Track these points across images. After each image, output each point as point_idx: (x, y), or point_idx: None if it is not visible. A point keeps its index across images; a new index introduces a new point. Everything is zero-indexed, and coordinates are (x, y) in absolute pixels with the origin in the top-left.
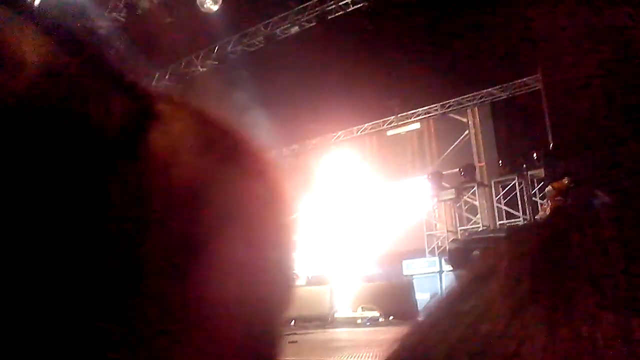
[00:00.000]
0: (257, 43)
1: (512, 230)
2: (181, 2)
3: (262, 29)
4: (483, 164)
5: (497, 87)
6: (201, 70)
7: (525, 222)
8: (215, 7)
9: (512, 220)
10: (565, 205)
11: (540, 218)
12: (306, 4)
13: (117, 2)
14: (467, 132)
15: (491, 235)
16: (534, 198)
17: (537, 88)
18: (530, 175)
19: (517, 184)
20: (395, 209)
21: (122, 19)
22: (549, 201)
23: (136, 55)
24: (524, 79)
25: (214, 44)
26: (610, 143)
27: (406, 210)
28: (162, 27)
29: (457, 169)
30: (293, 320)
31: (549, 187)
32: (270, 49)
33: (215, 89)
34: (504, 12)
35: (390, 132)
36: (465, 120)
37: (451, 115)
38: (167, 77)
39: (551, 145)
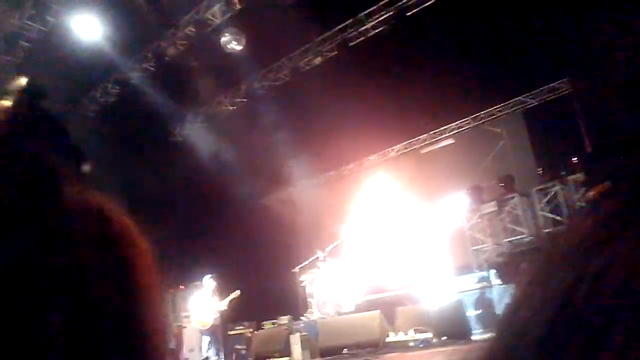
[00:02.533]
0: (282, 77)
1: (552, 236)
2: (206, 45)
3: (286, 62)
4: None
5: (527, 94)
6: (230, 109)
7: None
8: (239, 47)
9: (558, 227)
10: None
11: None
12: (326, 34)
13: (145, 53)
14: (501, 142)
15: (537, 245)
16: (578, 203)
17: (567, 92)
18: (572, 180)
19: (559, 190)
20: (437, 228)
21: (152, 69)
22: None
23: (168, 101)
24: (553, 84)
25: (241, 82)
26: None
27: (448, 227)
28: (189, 71)
29: (496, 181)
30: (345, 349)
31: (590, 192)
32: (296, 81)
33: (247, 125)
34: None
35: (424, 150)
36: (498, 130)
37: (484, 126)
38: (199, 117)
39: (590, 148)
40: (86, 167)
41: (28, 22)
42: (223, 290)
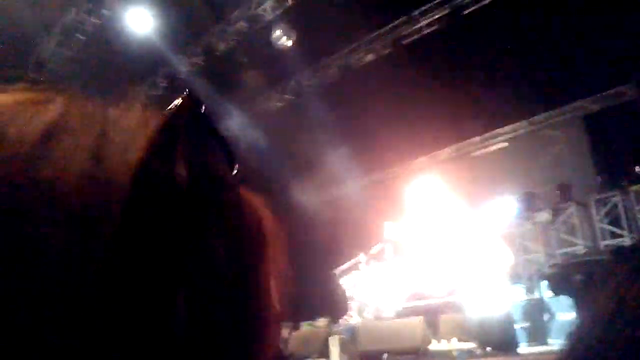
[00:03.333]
0: (332, 74)
1: (617, 252)
2: (256, 40)
3: (337, 59)
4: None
5: (588, 98)
6: (279, 105)
7: (633, 241)
8: (289, 43)
9: (617, 239)
10: None
11: None
12: (379, 32)
13: (195, 47)
14: (558, 146)
15: (593, 257)
16: (639, 215)
17: (632, 98)
18: (634, 190)
19: (620, 200)
20: (485, 234)
21: (202, 63)
22: None
23: (216, 96)
24: (618, 88)
25: (290, 78)
26: None
27: (498, 233)
28: (239, 66)
29: (551, 188)
30: (385, 354)
31: None
32: (347, 79)
33: (294, 123)
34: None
35: (475, 153)
36: (556, 133)
37: (540, 130)
38: (248, 113)
39: None
40: (239, 172)
41: (84, 15)
42: None
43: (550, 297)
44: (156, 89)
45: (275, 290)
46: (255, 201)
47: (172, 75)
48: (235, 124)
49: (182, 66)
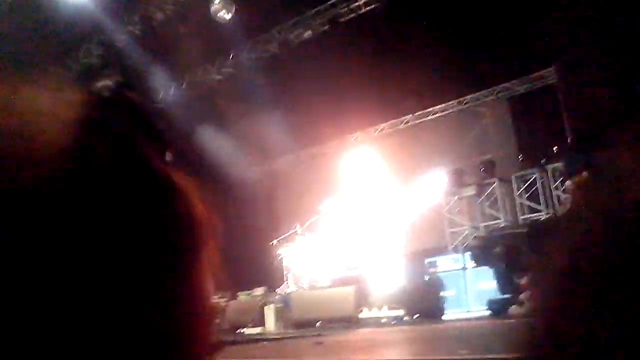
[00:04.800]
0: (271, 49)
1: (532, 226)
2: (194, 12)
3: (276, 34)
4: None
5: (513, 81)
6: (217, 78)
7: (546, 217)
8: (228, 16)
9: (535, 214)
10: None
11: (561, 213)
12: (318, 8)
13: (132, 15)
14: (484, 120)
15: (512, 231)
16: (555, 192)
17: (554, 81)
18: (552, 169)
19: (537, 177)
20: (416, 207)
21: (138, 32)
22: (568, 195)
23: (153, 67)
24: (541, 72)
25: (229, 51)
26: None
27: (426, 207)
28: (176, 37)
29: (477, 162)
30: (319, 322)
31: (568, 182)
32: (285, 54)
33: (233, 96)
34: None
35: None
36: (482, 110)
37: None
38: (183, 86)
39: (570, 138)
40: (169, 156)
41: None
42: None
43: (473, 267)
44: (90, 57)
45: (210, 277)
46: (186, 184)
47: (107, 43)
48: (171, 96)
49: (118, 34)
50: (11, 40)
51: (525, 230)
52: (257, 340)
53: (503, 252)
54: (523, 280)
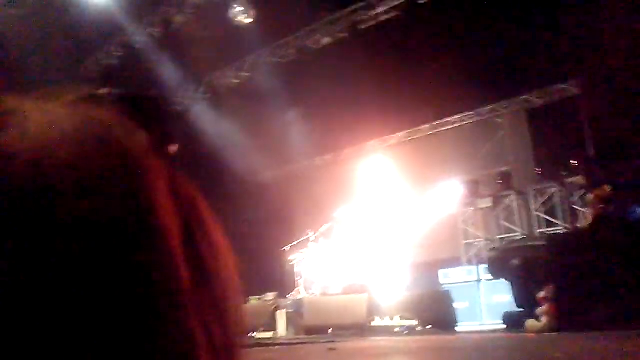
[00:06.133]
0: (289, 55)
1: (553, 239)
2: (214, 16)
3: (294, 40)
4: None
5: (533, 93)
6: (235, 82)
7: (565, 230)
8: (247, 20)
9: (552, 228)
10: (607, 213)
11: (582, 226)
12: (337, 15)
13: (152, 18)
14: (502, 133)
15: (530, 243)
16: (573, 206)
17: (575, 94)
18: (570, 182)
19: (556, 191)
20: (430, 216)
21: (158, 35)
22: (589, 209)
23: (171, 69)
24: (562, 85)
25: (247, 56)
26: None
27: (442, 217)
28: (195, 40)
29: (493, 173)
30: (330, 329)
31: (590, 195)
32: (303, 60)
33: (250, 100)
34: (542, 17)
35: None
36: (499, 121)
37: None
38: (201, 89)
39: (592, 151)
40: (173, 149)
41: None
42: None
43: (488, 280)
44: (110, 59)
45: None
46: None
47: (127, 45)
48: (189, 98)
49: (138, 36)
50: (31, 42)
51: (544, 243)
52: (268, 345)
53: (520, 265)
54: (541, 294)
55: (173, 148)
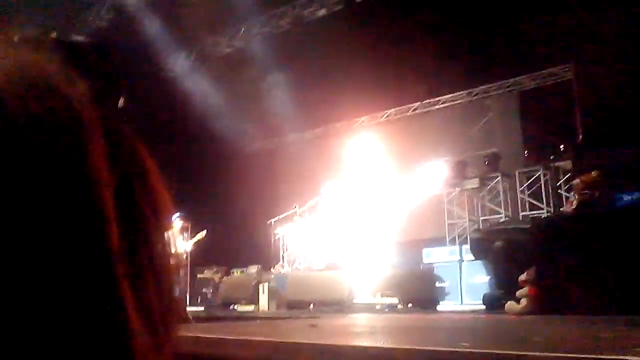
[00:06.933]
0: (283, 25)
1: (537, 222)
2: None
3: (290, 10)
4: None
5: (525, 76)
6: (227, 51)
7: (549, 214)
8: None
9: (536, 211)
10: (593, 199)
11: (566, 211)
12: None
13: None
14: (491, 114)
15: (514, 226)
16: (559, 190)
17: (566, 79)
18: (557, 166)
19: (542, 175)
20: (415, 195)
21: None
22: (575, 194)
23: (163, 35)
24: (553, 69)
25: (241, 24)
26: None
27: (427, 197)
28: (189, 6)
29: (481, 154)
30: (312, 304)
31: (577, 180)
32: (297, 31)
33: (241, 69)
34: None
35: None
36: (490, 103)
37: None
38: (193, 57)
39: (581, 136)
40: (122, 102)
41: None
42: (192, 232)
43: (470, 261)
44: (100, 20)
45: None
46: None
47: (118, 8)
48: (180, 65)
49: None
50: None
51: (527, 226)
52: (249, 319)
53: (503, 247)
54: (522, 277)
55: (120, 101)
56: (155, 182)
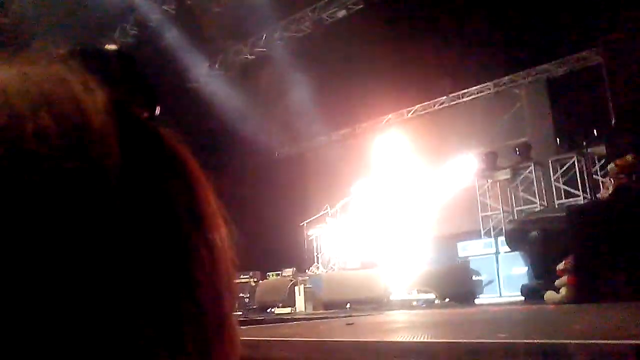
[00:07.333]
0: (304, 29)
1: (573, 210)
2: None
3: (309, 14)
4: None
5: (553, 62)
6: (250, 58)
7: (585, 201)
8: None
9: (572, 199)
10: (629, 183)
11: (602, 197)
12: None
13: None
14: (519, 104)
15: (549, 215)
16: (594, 176)
17: (596, 62)
18: (590, 152)
19: (576, 161)
20: (447, 189)
21: (172, 11)
22: (611, 179)
23: (186, 46)
24: (582, 53)
25: (262, 31)
26: None
27: (459, 190)
28: (210, 16)
29: (511, 145)
30: (349, 304)
31: (612, 165)
32: (318, 34)
33: (265, 75)
34: None
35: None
36: (519, 93)
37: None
38: (217, 66)
39: (614, 120)
40: (158, 111)
41: None
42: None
43: (507, 252)
44: (125, 36)
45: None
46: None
47: (142, 23)
48: (204, 75)
49: (153, 13)
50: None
51: (563, 214)
52: (287, 320)
53: (539, 237)
54: (560, 266)
55: (151, 109)
56: (204, 193)
